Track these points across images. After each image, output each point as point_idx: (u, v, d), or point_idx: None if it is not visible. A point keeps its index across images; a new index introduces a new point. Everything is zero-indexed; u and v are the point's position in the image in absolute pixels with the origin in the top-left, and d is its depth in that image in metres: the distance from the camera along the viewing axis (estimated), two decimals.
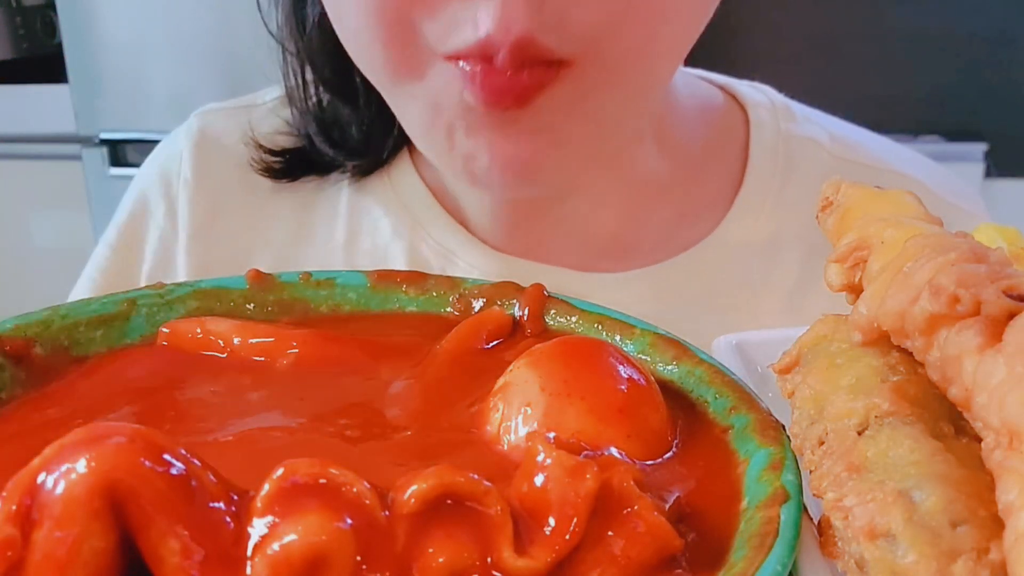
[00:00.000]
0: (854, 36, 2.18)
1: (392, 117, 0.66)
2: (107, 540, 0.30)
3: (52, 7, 2.46)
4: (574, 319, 0.47)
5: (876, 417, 0.32)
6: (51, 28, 2.68)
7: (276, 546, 0.30)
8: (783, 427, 0.37)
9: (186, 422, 0.40)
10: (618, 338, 0.45)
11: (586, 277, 0.70)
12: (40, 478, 0.33)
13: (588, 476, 0.32)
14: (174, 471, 0.32)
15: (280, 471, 0.32)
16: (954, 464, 0.29)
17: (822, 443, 0.33)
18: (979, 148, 2.14)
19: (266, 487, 0.33)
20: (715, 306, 0.70)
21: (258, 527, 0.31)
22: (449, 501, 0.34)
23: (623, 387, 0.38)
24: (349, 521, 0.32)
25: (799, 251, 0.72)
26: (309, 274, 0.50)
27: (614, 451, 0.36)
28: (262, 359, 0.44)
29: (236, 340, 0.45)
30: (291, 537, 0.30)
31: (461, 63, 0.53)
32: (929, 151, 0.86)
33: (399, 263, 0.71)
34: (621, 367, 0.38)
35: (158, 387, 0.42)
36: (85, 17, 2.27)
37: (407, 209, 0.73)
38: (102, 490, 0.30)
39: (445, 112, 0.57)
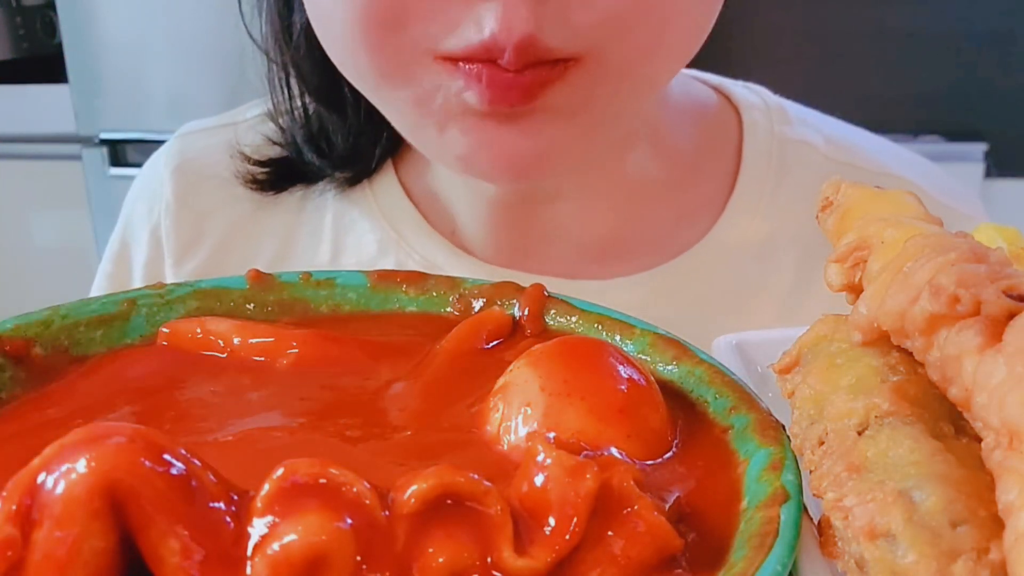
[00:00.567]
0: (854, 36, 2.18)
1: (380, 126, 0.65)
2: (107, 540, 0.30)
3: (52, 7, 2.46)
4: (574, 319, 0.47)
5: (876, 417, 0.32)
6: (51, 28, 2.68)
7: (276, 546, 0.30)
8: (783, 427, 0.37)
9: (186, 422, 0.40)
10: (618, 338, 0.45)
11: (577, 285, 0.69)
12: (40, 478, 0.33)
13: (588, 476, 0.32)
14: (174, 471, 0.32)
15: (280, 471, 0.32)
16: (954, 464, 0.29)
17: (822, 443, 0.33)
18: (979, 148, 2.14)
19: (266, 487, 0.33)
20: (710, 309, 0.70)
21: (258, 527, 0.31)
22: (449, 501, 0.34)
23: (623, 387, 0.38)
24: (349, 521, 0.32)
25: (794, 254, 0.71)
26: (309, 274, 0.50)
27: (614, 451, 0.36)
28: (262, 359, 0.44)
29: (236, 340, 0.45)
30: (291, 537, 0.30)
31: (462, 64, 0.53)
32: (929, 151, 0.85)
33: None
34: (621, 367, 0.38)
35: (158, 387, 0.42)
36: (85, 17, 2.27)
37: (392, 225, 0.73)
38: (102, 490, 0.30)
39: (436, 111, 0.57)
